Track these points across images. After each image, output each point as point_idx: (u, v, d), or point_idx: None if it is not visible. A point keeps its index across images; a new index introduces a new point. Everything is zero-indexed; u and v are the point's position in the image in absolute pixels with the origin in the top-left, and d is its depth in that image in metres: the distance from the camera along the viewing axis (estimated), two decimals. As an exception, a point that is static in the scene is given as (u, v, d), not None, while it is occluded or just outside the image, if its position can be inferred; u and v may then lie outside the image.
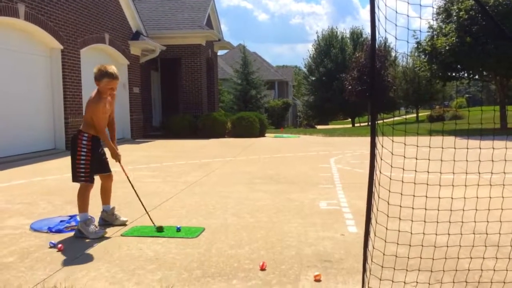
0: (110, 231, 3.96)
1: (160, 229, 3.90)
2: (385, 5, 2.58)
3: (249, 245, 3.53)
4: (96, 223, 3.99)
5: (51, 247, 3.53)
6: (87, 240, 3.70)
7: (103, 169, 4.09)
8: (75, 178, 3.92)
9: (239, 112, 19.91)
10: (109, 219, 4.15)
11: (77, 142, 3.90)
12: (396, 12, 2.44)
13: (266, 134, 17.80)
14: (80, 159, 3.87)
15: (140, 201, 4.26)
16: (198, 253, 3.34)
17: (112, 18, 14.33)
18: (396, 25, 2.61)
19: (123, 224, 4.13)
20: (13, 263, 3.20)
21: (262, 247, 3.46)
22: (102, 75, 3.86)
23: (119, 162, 4.11)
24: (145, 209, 4.24)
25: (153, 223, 4.01)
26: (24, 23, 9.98)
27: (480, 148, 2.70)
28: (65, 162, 9.20)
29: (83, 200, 3.89)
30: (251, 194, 5.61)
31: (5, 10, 9.30)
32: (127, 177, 4.22)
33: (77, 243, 3.67)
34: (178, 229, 3.91)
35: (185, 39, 17.47)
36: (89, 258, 3.28)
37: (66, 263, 3.17)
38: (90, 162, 3.89)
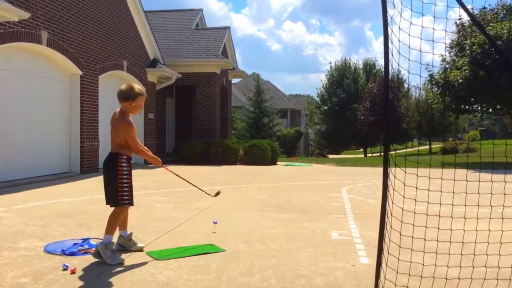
0: (123, 256, 3.99)
1: (218, 193, 4.71)
2: (398, 40, 2.67)
3: (260, 273, 3.53)
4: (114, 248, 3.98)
5: (64, 269, 3.57)
6: (100, 263, 3.73)
7: None
8: (116, 203, 3.90)
9: (252, 139, 20.03)
10: (126, 245, 4.15)
11: (116, 165, 3.89)
12: (409, 47, 2.52)
13: (278, 162, 17.83)
14: (123, 182, 3.87)
15: (192, 184, 4.60)
16: (208, 280, 3.35)
17: (131, 45, 14.73)
18: (409, 59, 2.68)
19: (140, 250, 4.15)
20: (28, 284, 3.25)
21: (272, 276, 3.46)
22: (137, 94, 3.97)
23: (163, 166, 4.31)
24: (198, 188, 4.61)
25: (208, 193, 4.57)
26: (46, 49, 10.32)
27: (491, 181, 2.73)
28: (79, 185, 9.33)
29: (116, 222, 3.91)
30: (262, 222, 5.62)
31: (29, 37, 9.65)
32: (176, 174, 4.38)
33: (90, 266, 3.70)
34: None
35: (200, 68, 17.82)
36: (102, 282, 3.31)
37: (79, 286, 3.21)
38: (131, 184, 3.94)
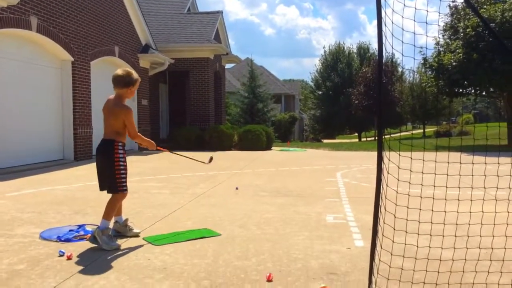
0: (119, 241, 4.00)
1: (211, 159, 4.62)
2: (392, 22, 2.65)
3: (256, 257, 3.56)
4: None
5: (60, 255, 3.58)
6: (96, 249, 3.74)
7: None
8: (115, 189, 3.90)
9: (246, 125, 20.02)
10: (122, 231, 4.16)
11: (113, 152, 3.87)
12: (403, 29, 2.50)
13: (273, 148, 17.85)
14: (120, 169, 3.87)
15: (193, 159, 4.68)
16: (205, 264, 3.38)
17: (122, 31, 14.56)
18: (402, 42, 2.67)
19: (136, 235, 4.15)
20: (24, 270, 3.25)
21: (268, 259, 3.49)
22: (136, 79, 4.00)
23: (157, 147, 4.31)
24: (191, 158, 4.69)
25: (201, 162, 4.57)
26: (36, 35, 10.18)
27: (485, 164, 2.75)
28: (74, 173, 9.31)
29: (114, 209, 3.91)
30: (257, 207, 5.64)
31: (19, 23, 9.50)
32: (169, 151, 4.44)
33: (86, 252, 3.71)
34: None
35: (193, 53, 17.68)
36: (98, 267, 3.33)
37: (75, 272, 3.22)
38: (127, 171, 3.96)
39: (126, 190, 3.96)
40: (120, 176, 3.88)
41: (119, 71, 4.02)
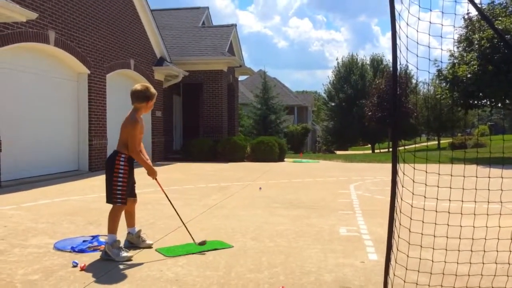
0: (131, 252, 4.02)
1: (203, 243, 4.09)
2: (406, 36, 2.65)
3: (268, 269, 3.54)
4: (122, 245, 3.99)
5: (74, 266, 3.60)
6: (109, 261, 3.76)
7: (131, 193, 4.14)
8: (110, 200, 3.94)
9: (259, 136, 20.03)
10: (135, 242, 4.18)
11: (114, 163, 3.92)
12: (418, 43, 2.50)
13: (285, 159, 17.82)
14: (117, 180, 3.89)
15: (178, 215, 4.41)
16: (217, 276, 3.37)
17: (138, 44, 14.78)
18: (417, 55, 2.66)
19: (149, 247, 4.17)
20: (38, 281, 3.28)
21: (281, 272, 3.47)
22: (154, 94, 4.05)
23: (156, 179, 4.17)
24: (184, 224, 4.37)
25: (193, 239, 4.15)
26: (54, 48, 10.38)
27: (502, 177, 2.70)
28: (88, 183, 9.40)
29: (114, 221, 3.91)
30: (270, 219, 5.62)
31: (37, 37, 9.71)
32: (164, 193, 4.33)
33: (99, 263, 3.73)
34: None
35: (207, 65, 17.83)
36: (111, 278, 3.34)
37: (89, 283, 3.24)
38: (127, 184, 3.93)
39: (120, 202, 3.92)
40: (116, 187, 3.89)
41: (138, 86, 4.09)
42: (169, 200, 4.39)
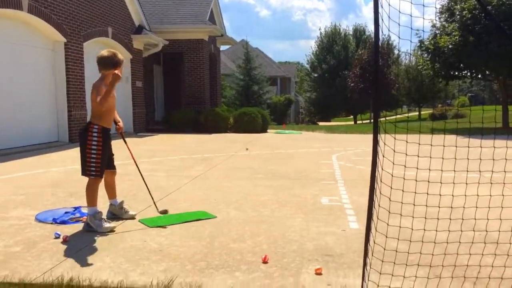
0: (114, 223, 4.00)
1: (164, 212, 4.29)
2: (389, 4, 2.61)
3: (252, 239, 3.58)
4: (104, 216, 3.96)
5: (56, 237, 3.58)
6: (91, 232, 3.74)
7: (110, 164, 4.06)
8: (84, 172, 3.87)
9: (242, 107, 19.95)
10: (117, 213, 4.16)
11: (87, 134, 3.81)
12: (400, 11, 2.47)
13: (268, 130, 17.84)
14: (91, 153, 3.80)
15: (146, 186, 4.44)
16: (201, 246, 3.39)
17: (115, 12, 14.35)
18: (399, 24, 2.64)
19: (132, 217, 4.16)
20: (20, 252, 3.25)
21: (264, 241, 3.51)
22: (120, 61, 3.87)
23: (129, 148, 4.20)
24: (150, 193, 4.43)
25: (156, 207, 4.30)
26: (27, 15, 10.01)
27: (481, 147, 2.74)
28: (68, 154, 9.27)
29: (92, 194, 3.84)
30: (253, 189, 5.66)
31: (9, 2, 9.33)
32: (133, 159, 4.37)
33: (81, 234, 3.72)
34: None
35: (188, 34, 17.48)
36: (94, 249, 3.33)
37: (71, 254, 3.23)
38: (102, 156, 3.83)
39: (95, 175, 3.82)
40: (89, 159, 3.80)
41: (104, 52, 3.92)
42: (138, 167, 4.47)
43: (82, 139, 3.87)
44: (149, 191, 4.45)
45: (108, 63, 3.84)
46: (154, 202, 4.38)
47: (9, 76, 9.81)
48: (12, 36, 9.96)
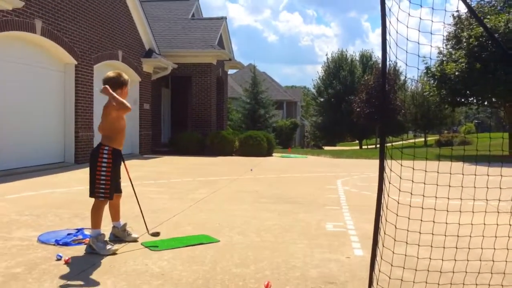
0: (117, 246, 3.97)
1: (156, 234, 4.21)
2: (396, 31, 2.64)
3: (255, 264, 3.53)
4: (107, 238, 3.94)
5: (58, 259, 3.55)
6: (94, 254, 3.71)
7: (117, 188, 4.06)
8: (93, 194, 3.86)
9: (247, 131, 20.00)
10: (120, 235, 4.13)
11: (97, 156, 3.83)
12: (407, 39, 2.50)
13: (274, 154, 17.83)
14: (100, 174, 3.80)
15: (138, 204, 4.39)
16: (203, 271, 3.35)
17: (126, 35, 14.61)
18: (406, 51, 2.66)
19: (135, 240, 4.13)
20: (21, 274, 3.23)
21: (267, 267, 3.46)
22: (126, 81, 3.96)
23: (125, 166, 4.15)
24: (141, 211, 4.38)
25: (147, 229, 4.25)
26: (40, 38, 10.21)
27: (488, 175, 2.72)
28: (74, 176, 9.29)
29: (97, 216, 3.82)
30: (257, 213, 5.61)
31: (23, 26, 9.53)
32: (130, 180, 4.28)
33: (83, 256, 3.69)
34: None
35: (196, 58, 17.71)
36: (96, 272, 3.30)
37: (73, 276, 3.19)
38: (111, 178, 3.82)
39: (103, 197, 3.82)
40: (99, 181, 3.80)
41: (110, 73, 4.01)
42: (135, 192, 4.41)
43: (93, 160, 3.88)
44: (141, 211, 4.38)
45: (114, 83, 3.90)
46: (145, 223, 4.30)
47: (19, 97, 9.94)
48: (24, 57, 10.14)
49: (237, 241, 4.23)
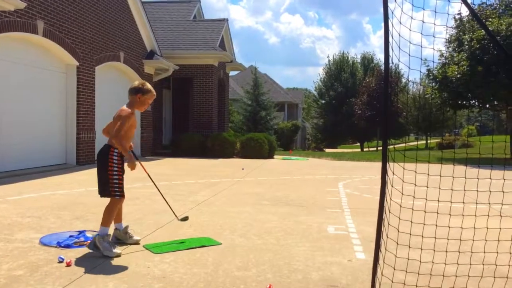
0: (118, 248, 3.97)
1: (185, 219, 4.51)
2: (399, 34, 2.64)
3: (256, 267, 3.53)
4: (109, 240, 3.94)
5: (60, 261, 3.55)
6: (95, 256, 3.71)
7: None
8: (108, 193, 3.92)
9: (249, 133, 20.00)
10: (122, 238, 4.14)
11: (107, 157, 3.91)
12: (410, 42, 2.49)
13: (275, 156, 17.82)
14: (113, 174, 3.90)
15: (163, 197, 4.58)
16: (205, 274, 3.34)
17: (128, 37, 14.63)
18: (409, 54, 2.66)
19: (136, 243, 4.13)
20: (23, 276, 3.23)
21: (269, 270, 3.46)
22: (146, 90, 4.07)
23: (143, 167, 4.26)
24: (167, 203, 4.58)
25: (175, 216, 4.45)
26: (42, 39, 10.23)
27: (490, 179, 2.71)
28: (76, 177, 9.29)
29: (111, 214, 3.90)
30: (259, 216, 5.61)
31: (25, 27, 9.55)
32: (148, 175, 4.39)
33: (85, 259, 3.69)
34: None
35: (198, 60, 17.73)
36: (97, 274, 3.30)
37: (74, 278, 3.19)
38: (122, 177, 3.97)
39: (119, 195, 3.93)
40: (112, 181, 3.89)
41: (136, 82, 4.19)
42: (156, 186, 4.50)
43: (103, 162, 3.93)
44: (167, 202, 4.59)
45: (132, 90, 4.06)
46: (172, 211, 4.53)
47: (21, 98, 9.96)
48: (26, 58, 10.16)
49: (238, 244, 4.22)
